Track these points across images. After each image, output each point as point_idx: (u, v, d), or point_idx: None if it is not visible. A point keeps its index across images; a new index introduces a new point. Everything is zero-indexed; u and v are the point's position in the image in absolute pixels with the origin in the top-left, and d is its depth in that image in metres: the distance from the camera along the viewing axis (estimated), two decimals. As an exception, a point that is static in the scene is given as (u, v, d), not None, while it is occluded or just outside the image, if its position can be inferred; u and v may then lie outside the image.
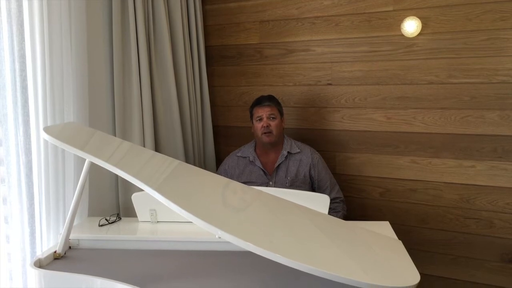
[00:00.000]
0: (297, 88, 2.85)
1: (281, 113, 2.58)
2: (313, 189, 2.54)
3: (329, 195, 2.24)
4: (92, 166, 1.70)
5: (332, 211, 2.44)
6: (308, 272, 1.23)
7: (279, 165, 2.52)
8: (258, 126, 2.52)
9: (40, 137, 1.96)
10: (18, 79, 1.90)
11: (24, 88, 1.92)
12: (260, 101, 2.57)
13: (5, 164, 1.90)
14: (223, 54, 3.06)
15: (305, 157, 2.53)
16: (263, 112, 2.51)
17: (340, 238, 1.61)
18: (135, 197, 2.04)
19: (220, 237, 1.31)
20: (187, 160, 2.81)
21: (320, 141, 2.80)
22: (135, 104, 2.45)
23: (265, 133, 2.49)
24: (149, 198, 1.70)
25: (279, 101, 2.62)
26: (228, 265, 1.72)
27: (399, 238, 1.78)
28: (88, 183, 2.17)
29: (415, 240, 2.61)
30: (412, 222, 2.63)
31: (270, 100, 2.57)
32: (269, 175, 2.54)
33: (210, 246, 1.84)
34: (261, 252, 1.25)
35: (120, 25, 2.39)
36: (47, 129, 1.71)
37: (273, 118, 2.51)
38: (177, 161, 1.89)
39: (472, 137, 2.44)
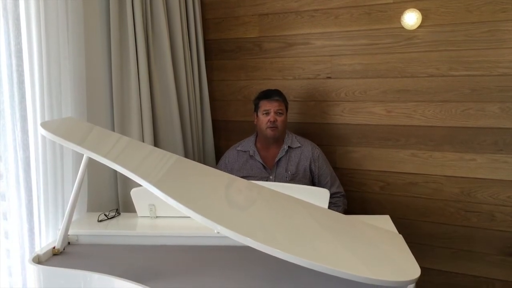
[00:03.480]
0: (297, 82, 2.84)
1: (287, 109, 2.57)
2: (313, 183, 2.53)
3: (329, 189, 2.23)
4: (91, 161, 1.68)
5: (332, 205, 2.44)
6: (308, 267, 1.22)
7: (279, 159, 2.51)
8: (264, 119, 2.49)
9: (37, 133, 1.95)
10: (15, 74, 1.88)
11: (21, 83, 1.90)
12: (269, 95, 2.54)
13: (2, 160, 1.88)
14: (222, 48, 3.04)
15: (305, 152, 2.52)
16: (271, 106, 2.49)
17: (341, 233, 1.61)
18: (134, 192, 2.03)
19: (219, 232, 1.31)
20: (186, 155, 2.80)
21: (320, 135, 2.79)
22: (134, 99, 2.43)
23: (270, 127, 2.47)
24: (148, 193, 1.68)
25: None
26: (228, 260, 1.71)
27: (400, 232, 1.78)
28: (86, 179, 2.16)
29: (416, 233, 2.60)
30: (412, 216, 2.62)
31: (279, 95, 2.54)
32: (269, 170, 2.53)
33: (210, 241, 1.84)
34: (260, 247, 1.24)
35: (118, 19, 2.37)
36: (44, 125, 1.69)
37: (280, 113, 2.49)
38: (176, 156, 1.88)
39: (473, 130, 2.42)
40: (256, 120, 2.58)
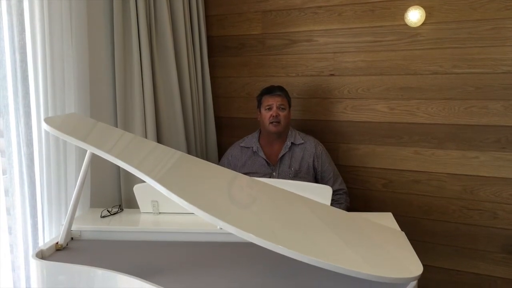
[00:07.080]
0: (300, 79, 2.84)
1: (290, 105, 2.57)
2: (316, 180, 2.54)
3: (332, 186, 2.24)
4: (94, 157, 1.69)
5: (335, 202, 2.44)
6: (310, 263, 1.22)
7: (282, 156, 2.51)
8: (267, 115, 2.50)
9: (41, 128, 1.95)
10: (18, 70, 1.89)
11: (25, 79, 1.91)
12: (271, 90, 2.55)
13: (6, 155, 1.89)
14: (226, 45, 3.04)
15: (308, 148, 2.52)
16: (273, 101, 2.50)
17: (343, 230, 1.61)
18: (137, 189, 2.04)
19: (221, 228, 1.31)
20: (189, 151, 2.80)
21: (323, 132, 2.79)
22: (137, 95, 2.44)
23: (272, 122, 2.48)
24: (151, 190, 1.69)
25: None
26: (230, 256, 1.72)
27: (402, 229, 1.78)
28: (90, 174, 2.17)
29: (418, 231, 2.60)
30: (415, 214, 2.62)
31: (281, 90, 2.55)
32: (273, 166, 2.53)
33: (212, 237, 1.84)
34: (262, 243, 1.25)
35: (122, 16, 2.37)
36: (48, 120, 1.69)
37: (283, 108, 2.50)
38: (179, 153, 1.89)
39: (476, 127, 2.42)
40: (259, 116, 2.58)
